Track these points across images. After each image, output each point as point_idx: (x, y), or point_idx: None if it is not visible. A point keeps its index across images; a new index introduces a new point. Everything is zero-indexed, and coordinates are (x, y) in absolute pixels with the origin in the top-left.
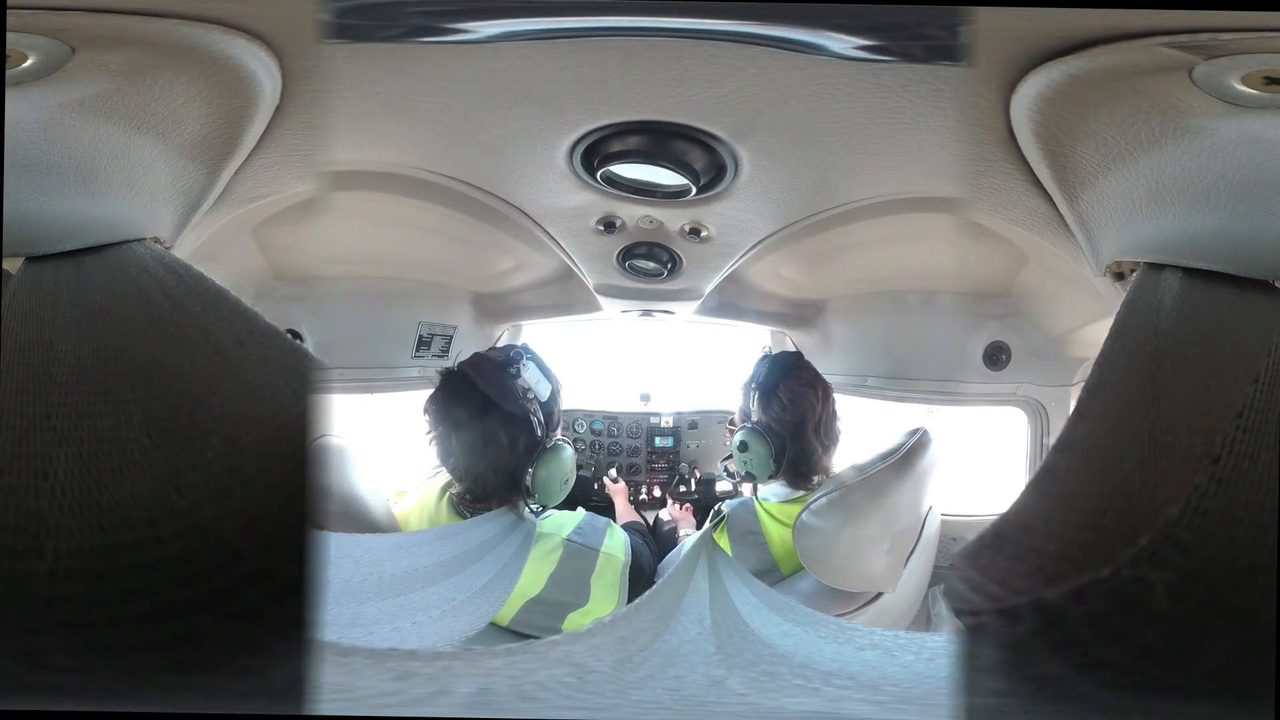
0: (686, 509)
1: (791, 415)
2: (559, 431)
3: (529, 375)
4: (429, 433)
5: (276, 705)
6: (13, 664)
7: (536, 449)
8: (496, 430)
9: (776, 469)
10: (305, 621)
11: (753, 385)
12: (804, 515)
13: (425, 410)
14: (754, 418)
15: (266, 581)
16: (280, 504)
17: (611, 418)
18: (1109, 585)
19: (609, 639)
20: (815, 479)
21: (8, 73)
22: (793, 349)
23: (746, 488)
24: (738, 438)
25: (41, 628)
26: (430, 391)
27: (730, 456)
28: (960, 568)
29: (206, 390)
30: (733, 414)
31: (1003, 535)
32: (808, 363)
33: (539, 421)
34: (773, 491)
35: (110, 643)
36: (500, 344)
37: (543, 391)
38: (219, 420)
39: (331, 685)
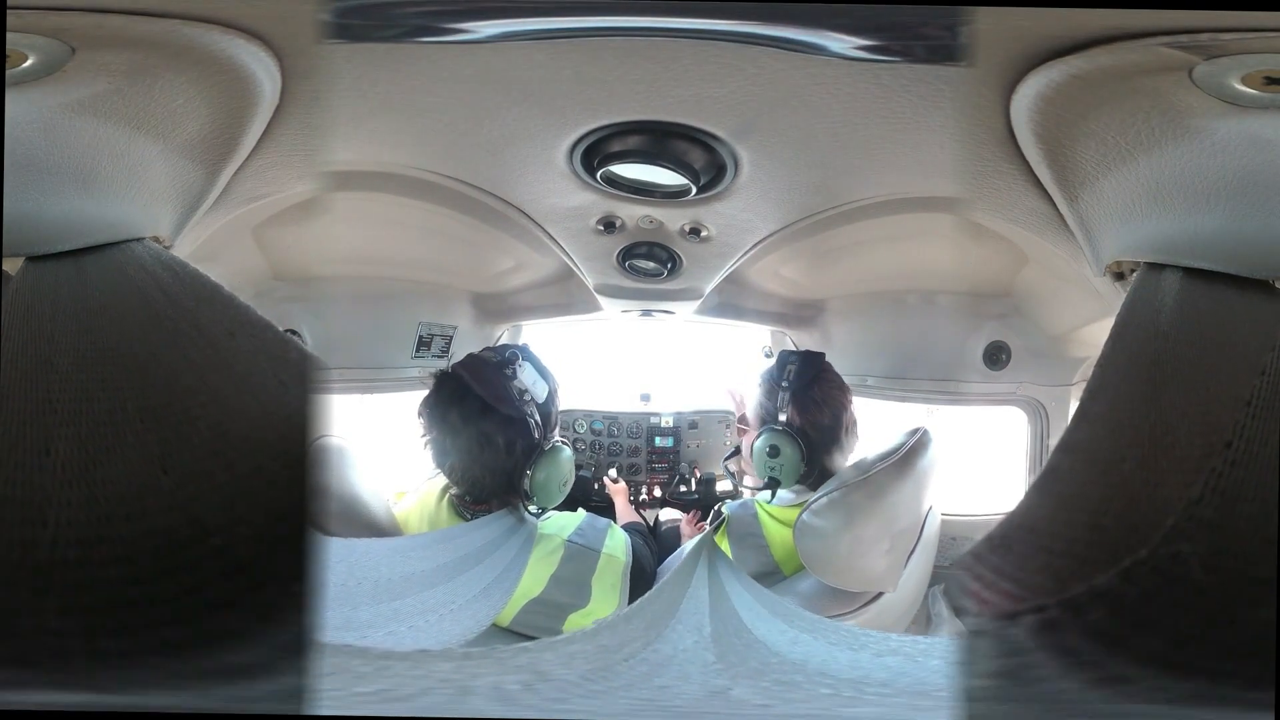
0: (700, 526)
1: (828, 418)
2: (557, 432)
3: (525, 376)
4: (424, 436)
5: (260, 703)
6: (14, 639)
7: (534, 451)
8: (493, 434)
9: (805, 474)
10: (285, 616)
11: (783, 384)
12: (804, 515)
13: (419, 414)
14: (784, 418)
15: (240, 565)
16: (271, 496)
17: (611, 418)
18: (1150, 563)
19: (588, 648)
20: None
21: (8, 73)
22: (791, 348)
23: (764, 494)
24: (765, 440)
25: (45, 590)
26: (424, 394)
27: (733, 455)
28: (968, 567)
29: (198, 380)
30: (739, 413)
31: (1008, 536)
32: (830, 364)
33: (536, 423)
34: (777, 495)
35: (93, 606)
36: (500, 344)
37: (539, 392)
38: (207, 407)
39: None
